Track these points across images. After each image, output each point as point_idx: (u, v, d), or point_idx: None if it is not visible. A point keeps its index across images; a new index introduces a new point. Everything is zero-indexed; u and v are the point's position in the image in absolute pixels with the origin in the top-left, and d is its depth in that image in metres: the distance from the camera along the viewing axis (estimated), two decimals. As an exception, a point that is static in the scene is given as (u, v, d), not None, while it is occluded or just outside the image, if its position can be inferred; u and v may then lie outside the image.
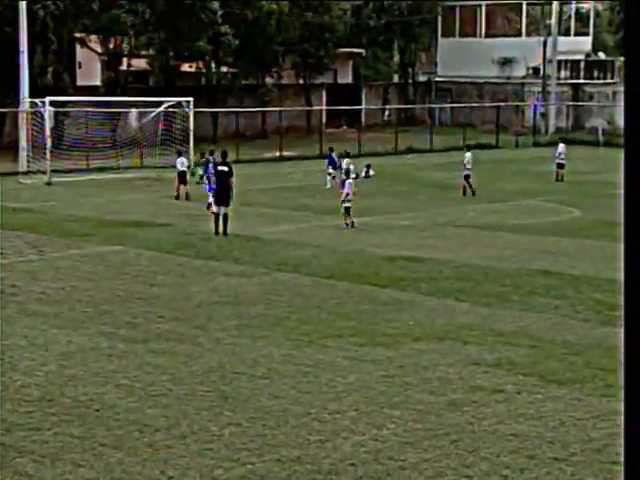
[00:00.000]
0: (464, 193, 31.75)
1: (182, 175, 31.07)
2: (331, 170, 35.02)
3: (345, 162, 33.21)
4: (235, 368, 12.18)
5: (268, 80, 58.31)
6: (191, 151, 38.95)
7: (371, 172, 38.81)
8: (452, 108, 63.26)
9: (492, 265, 19.51)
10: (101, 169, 38.59)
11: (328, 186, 33.71)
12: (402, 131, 53.27)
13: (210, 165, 29.19)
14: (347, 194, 24.78)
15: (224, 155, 24.35)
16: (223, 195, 23.38)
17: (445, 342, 13.51)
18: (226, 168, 23.78)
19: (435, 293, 16.80)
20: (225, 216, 23.21)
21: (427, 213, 28.01)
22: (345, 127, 59.34)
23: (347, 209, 24.73)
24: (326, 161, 35.66)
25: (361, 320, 14.76)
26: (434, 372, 12.09)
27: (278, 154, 46.52)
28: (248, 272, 18.59)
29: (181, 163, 31.60)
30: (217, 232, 23.15)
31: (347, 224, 24.63)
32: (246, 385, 11.53)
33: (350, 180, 25.30)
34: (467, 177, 31.84)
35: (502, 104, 58.78)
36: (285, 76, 59.63)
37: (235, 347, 13.18)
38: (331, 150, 36.84)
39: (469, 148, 33.79)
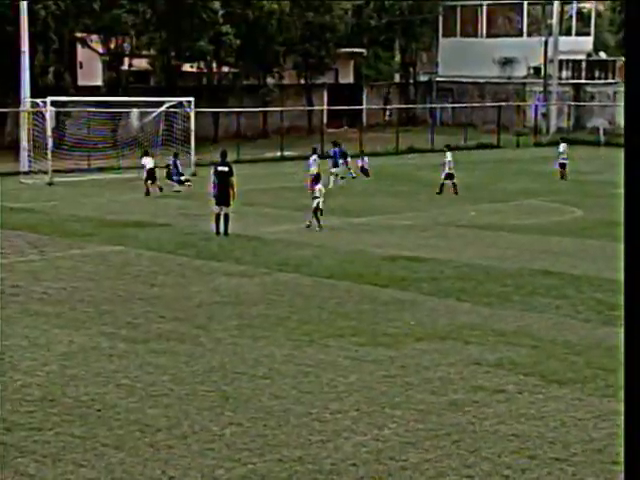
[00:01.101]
0: (441, 191, 32.02)
1: (151, 173, 32.12)
2: (333, 169, 34.92)
3: (312, 159, 33.02)
4: (236, 368, 12.18)
5: (269, 80, 58.32)
6: (192, 151, 38.97)
7: (366, 159, 38.78)
8: (453, 108, 63.27)
9: (493, 265, 19.51)
10: (102, 169, 38.65)
11: (330, 186, 33.67)
12: (403, 131, 53.28)
13: (174, 164, 33.43)
14: (317, 197, 24.24)
15: (223, 155, 24.31)
16: (224, 195, 23.37)
17: (446, 342, 13.50)
18: (226, 168, 23.77)
19: (436, 293, 16.80)
20: (226, 216, 23.21)
21: (428, 213, 28.00)
22: (346, 127, 59.35)
23: (317, 210, 24.05)
24: (329, 161, 35.54)
25: (362, 320, 14.76)
26: (435, 372, 12.08)
27: (279, 154, 46.54)
28: (249, 272, 18.59)
29: (150, 162, 32.61)
30: (218, 232, 23.15)
31: (320, 226, 24.01)
32: (247, 385, 11.53)
33: (320, 186, 24.47)
34: (451, 176, 32.08)
35: (503, 104, 58.80)
36: (286, 76, 59.63)
37: (236, 347, 13.18)
38: (334, 144, 36.67)
39: (450, 148, 33.89)
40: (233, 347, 13.17)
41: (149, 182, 32.03)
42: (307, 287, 17.24)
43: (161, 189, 32.05)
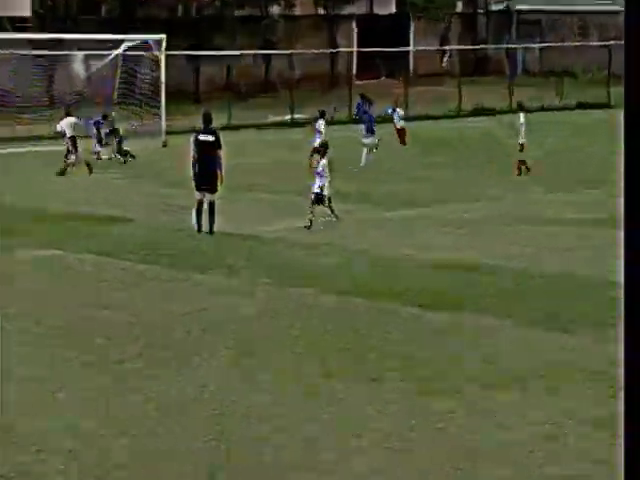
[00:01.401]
0: (520, 172, 32.85)
1: (73, 140, 32.84)
2: (367, 140, 34.82)
3: (320, 124, 33.21)
4: (228, 418, 12.27)
5: (274, 10, 58.42)
6: (162, 112, 39.12)
7: (399, 112, 38.79)
8: (541, 49, 63.30)
9: (593, 275, 19.46)
10: (34, 137, 38.89)
11: (363, 162, 33.82)
12: (468, 83, 53.35)
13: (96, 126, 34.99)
14: (320, 174, 24.46)
15: (207, 119, 24.42)
16: (208, 176, 23.45)
17: (527, 389, 13.52)
18: (211, 137, 23.86)
19: (502, 317, 16.78)
20: (211, 205, 23.35)
21: (496, 201, 28.16)
22: (384, 77, 59.50)
23: (318, 198, 24.43)
24: (362, 127, 35.54)
25: (398, 353, 14.80)
26: (512, 433, 12.07)
27: (288, 117, 46.68)
28: (241, 286, 18.75)
29: (69, 125, 33.02)
30: (200, 228, 23.29)
31: (335, 215, 24.54)
32: (243, 439, 11.60)
33: (324, 161, 24.77)
34: (521, 147, 32.58)
35: (614, 42, 58.69)
36: (298, 4, 59.75)
37: (225, 380, 13.27)
38: (362, 98, 36.95)
39: (522, 108, 34.17)
40: (223, 378, 13.27)
41: (69, 155, 32.69)
42: (320, 306, 17.35)
43: (89, 166, 32.75)
